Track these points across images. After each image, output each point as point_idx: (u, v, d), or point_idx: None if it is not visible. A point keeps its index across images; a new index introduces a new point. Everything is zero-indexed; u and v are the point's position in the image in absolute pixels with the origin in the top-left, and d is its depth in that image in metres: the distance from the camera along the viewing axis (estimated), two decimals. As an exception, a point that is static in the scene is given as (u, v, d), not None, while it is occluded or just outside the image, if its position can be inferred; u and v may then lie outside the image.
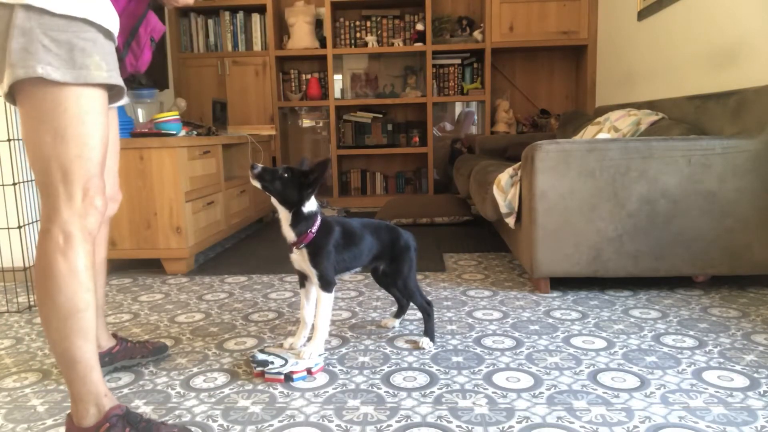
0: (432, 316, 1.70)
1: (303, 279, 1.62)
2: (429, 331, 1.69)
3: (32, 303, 2.22)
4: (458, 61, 4.53)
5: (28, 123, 1.07)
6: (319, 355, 1.55)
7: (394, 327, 1.83)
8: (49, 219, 1.09)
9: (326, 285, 1.54)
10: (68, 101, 1.06)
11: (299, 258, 1.55)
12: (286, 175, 1.48)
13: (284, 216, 1.52)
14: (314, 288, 1.59)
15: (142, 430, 1.15)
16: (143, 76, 3.28)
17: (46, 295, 1.09)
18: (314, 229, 1.53)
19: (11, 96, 1.09)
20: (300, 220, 1.51)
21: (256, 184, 1.49)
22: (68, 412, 1.17)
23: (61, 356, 1.12)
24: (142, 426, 1.16)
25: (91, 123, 1.09)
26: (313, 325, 1.60)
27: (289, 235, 1.53)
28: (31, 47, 1.02)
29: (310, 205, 1.52)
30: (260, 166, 1.48)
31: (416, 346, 1.68)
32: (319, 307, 1.56)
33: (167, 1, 1.37)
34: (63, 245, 1.08)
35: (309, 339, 1.61)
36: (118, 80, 1.15)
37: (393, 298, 1.91)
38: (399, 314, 1.85)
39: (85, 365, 1.12)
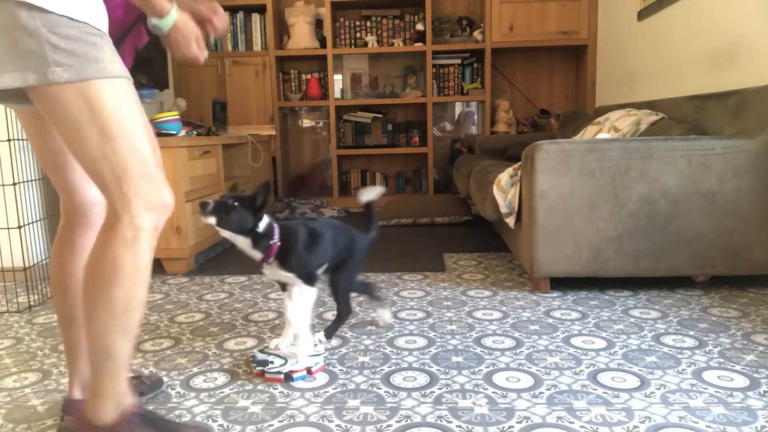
0: (343, 321, 1.77)
1: (283, 284, 1.63)
2: (331, 330, 1.76)
3: (32, 303, 2.22)
4: (458, 61, 4.53)
5: (67, 126, 1.01)
6: (319, 354, 1.56)
7: (390, 323, 1.83)
8: (115, 214, 1.05)
9: (309, 279, 1.56)
10: (101, 98, 1.01)
11: (271, 271, 1.55)
12: (236, 203, 1.43)
13: (244, 242, 1.49)
14: (296, 288, 1.60)
15: (160, 429, 1.14)
16: (143, 76, 3.28)
17: (102, 289, 1.05)
18: (276, 238, 1.51)
19: (20, 94, 1.02)
20: (260, 239, 1.49)
21: (210, 221, 1.41)
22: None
23: (98, 350, 1.08)
24: (162, 425, 1.15)
25: (131, 114, 1.05)
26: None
27: (256, 255, 1.51)
28: (39, 49, 0.97)
29: (263, 222, 1.50)
30: (211, 202, 1.41)
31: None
32: (300, 301, 1.56)
33: (175, 51, 1.30)
34: (131, 240, 1.04)
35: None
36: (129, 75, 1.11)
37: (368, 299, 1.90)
38: (381, 303, 1.85)
39: (119, 362, 1.09)
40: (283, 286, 1.63)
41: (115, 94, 1.03)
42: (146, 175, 1.06)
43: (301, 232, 1.58)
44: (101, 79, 1.01)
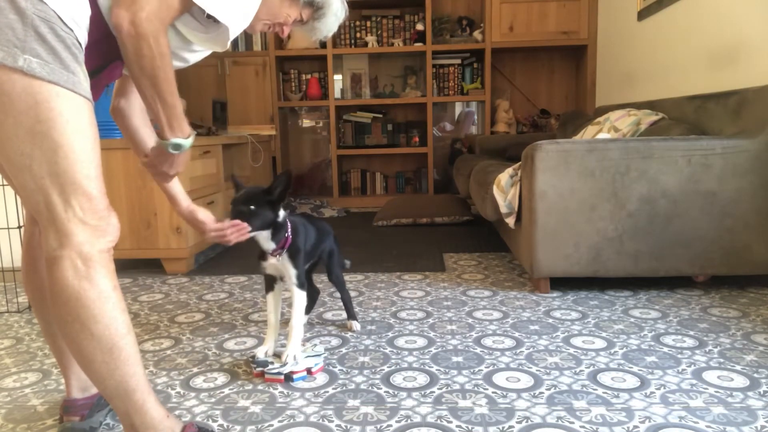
0: (350, 300, 1.87)
1: (272, 283, 1.60)
2: (351, 312, 1.85)
3: (32, 303, 2.22)
4: (458, 61, 4.53)
5: (16, 131, 0.91)
6: (319, 355, 1.55)
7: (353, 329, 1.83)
8: (60, 245, 0.95)
9: (302, 284, 1.57)
10: (69, 112, 0.93)
11: (277, 263, 1.54)
12: (253, 207, 1.43)
13: (264, 235, 1.50)
14: (280, 288, 1.61)
15: None
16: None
17: (82, 329, 0.96)
18: (289, 232, 1.53)
19: None
20: (279, 230, 1.50)
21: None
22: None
23: (114, 390, 1.01)
24: None
25: (93, 135, 0.98)
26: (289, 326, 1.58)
27: (270, 245, 1.51)
28: (20, 30, 0.88)
29: (281, 212, 1.51)
30: (227, 222, 1.42)
31: (348, 328, 1.84)
32: (295, 307, 1.56)
33: (170, 168, 1.20)
34: (84, 270, 0.95)
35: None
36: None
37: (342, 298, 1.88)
38: (309, 309, 1.90)
39: (142, 392, 1.03)
40: (271, 285, 1.60)
41: (75, 111, 0.95)
42: (96, 201, 0.97)
43: (301, 229, 1.59)
44: (69, 91, 0.94)
